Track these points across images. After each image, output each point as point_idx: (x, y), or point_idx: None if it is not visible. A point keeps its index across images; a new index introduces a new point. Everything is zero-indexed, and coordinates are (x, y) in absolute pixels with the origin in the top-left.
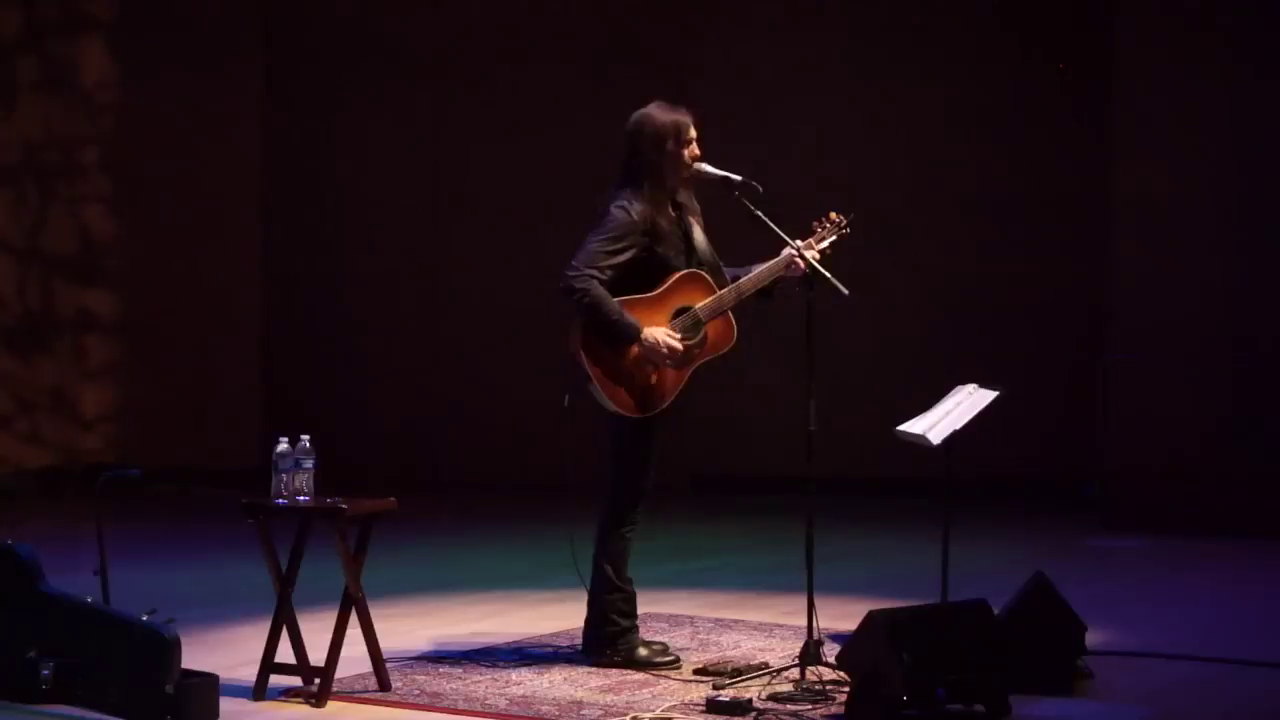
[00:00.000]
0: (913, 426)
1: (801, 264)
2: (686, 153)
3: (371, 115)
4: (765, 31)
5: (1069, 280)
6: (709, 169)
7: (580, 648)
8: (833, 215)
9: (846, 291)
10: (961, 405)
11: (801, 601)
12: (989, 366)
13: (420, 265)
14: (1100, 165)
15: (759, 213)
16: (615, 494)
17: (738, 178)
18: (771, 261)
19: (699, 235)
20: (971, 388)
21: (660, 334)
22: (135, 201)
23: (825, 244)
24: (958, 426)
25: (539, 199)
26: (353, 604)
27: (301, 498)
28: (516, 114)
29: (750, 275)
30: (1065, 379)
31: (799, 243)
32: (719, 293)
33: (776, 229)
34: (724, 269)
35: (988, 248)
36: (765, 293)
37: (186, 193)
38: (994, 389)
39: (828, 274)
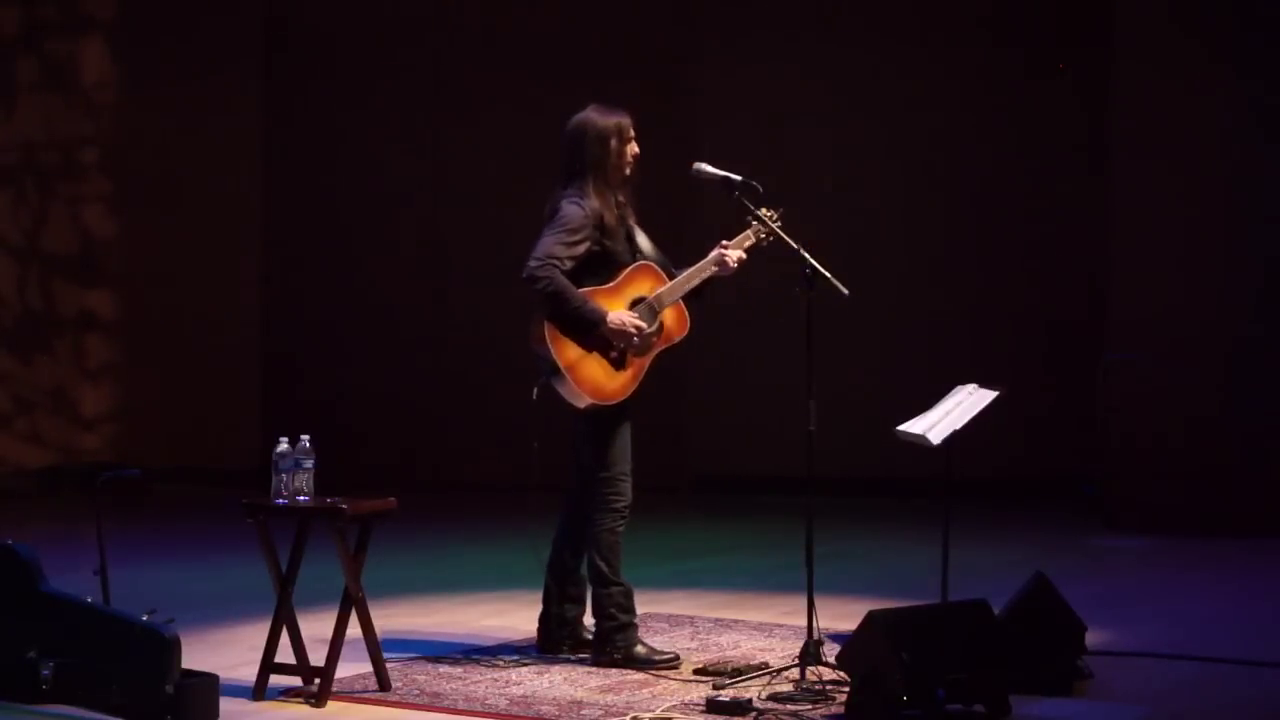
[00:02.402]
0: (913, 426)
1: (731, 262)
2: (628, 150)
3: (372, 115)
4: (766, 36)
5: (1068, 280)
6: (709, 169)
7: (537, 644)
8: (764, 210)
9: (846, 292)
10: (961, 405)
11: (801, 601)
12: (988, 366)
13: (422, 266)
14: (1099, 166)
15: (759, 213)
16: (599, 489)
17: (738, 178)
18: (704, 260)
19: (642, 235)
20: (971, 388)
21: (626, 316)
22: (135, 201)
23: (762, 237)
24: (958, 426)
25: (542, 199)
26: (353, 604)
27: (301, 498)
28: (518, 114)
29: (687, 272)
30: (1064, 378)
31: (729, 241)
32: (669, 283)
33: (776, 229)
34: (672, 268)
35: (987, 248)
36: (696, 293)
37: (186, 193)
38: (994, 389)
39: (828, 274)
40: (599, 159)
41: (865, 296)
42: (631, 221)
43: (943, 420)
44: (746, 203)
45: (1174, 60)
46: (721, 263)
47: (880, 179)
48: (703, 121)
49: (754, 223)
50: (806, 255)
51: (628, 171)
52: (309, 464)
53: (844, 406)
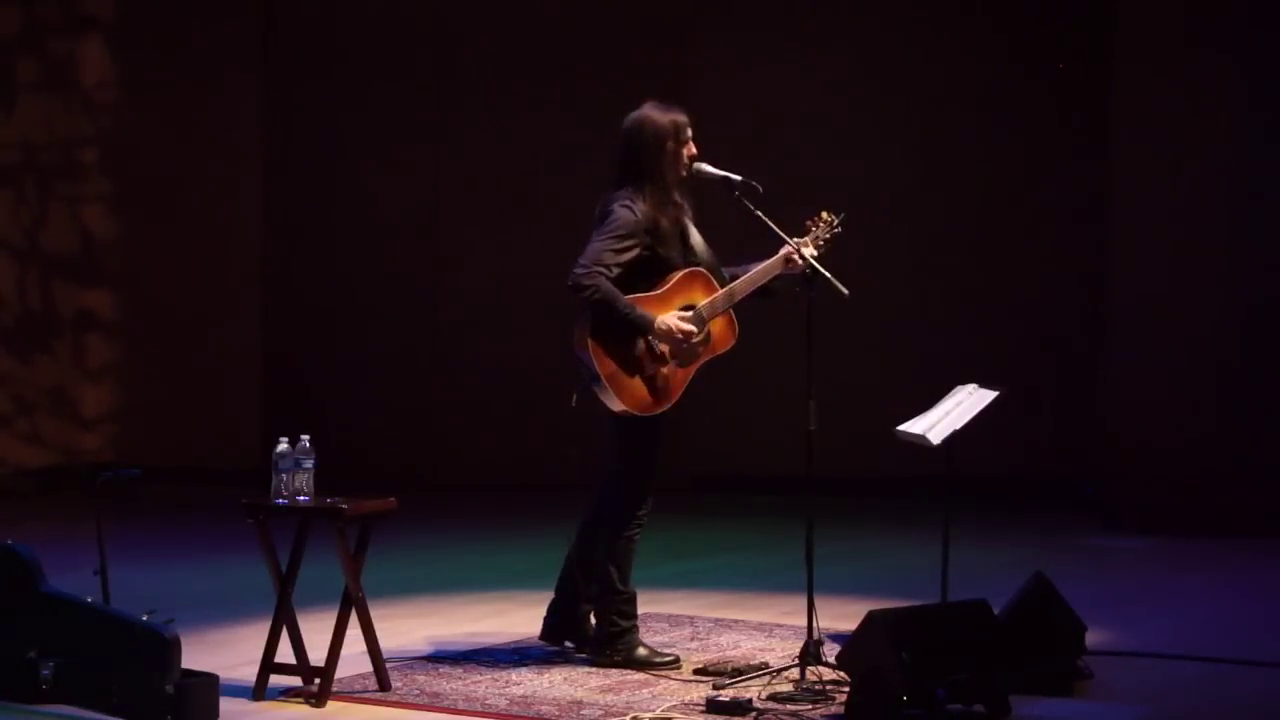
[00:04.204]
0: (913, 426)
1: (799, 261)
2: (685, 151)
3: (371, 115)
4: (765, 32)
5: (1069, 279)
6: (709, 169)
7: (541, 636)
8: (825, 214)
9: (846, 292)
10: (962, 405)
11: (801, 601)
12: (989, 366)
13: (422, 266)
14: (1100, 164)
15: (759, 213)
16: (621, 495)
17: (738, 178)
18: (768, 261)
19: (695, 235)
20: (971, 388)
21: (674, 320)
22: (135, 201)
23: (821, 242)
24: (958, 426)
25: (541, 200)
26: (353, 604)
27: (301, 498)
28: (518, 115)
29: (748, 275)
30: (1065, 378)
31: (796, 240)
32: (720, 291)
33: (776, 229)
34: (722, 269)
35: (987, 247)
36: (765, 291)
37: (186, 193)
38: (994, 389)
39: (828, 274)
40: (656, 161)
41: (865, 296)
42: (687, 220)
43: (943, 420)
44: (746, 202)
45: (1176, 61)
46: (789, 263)
47: (880, 179)
48: (702, 121)
49: (813, 228)
50: (807, 255)
51: (684, 173)
52: (309, 464)
53: (844, 406)
